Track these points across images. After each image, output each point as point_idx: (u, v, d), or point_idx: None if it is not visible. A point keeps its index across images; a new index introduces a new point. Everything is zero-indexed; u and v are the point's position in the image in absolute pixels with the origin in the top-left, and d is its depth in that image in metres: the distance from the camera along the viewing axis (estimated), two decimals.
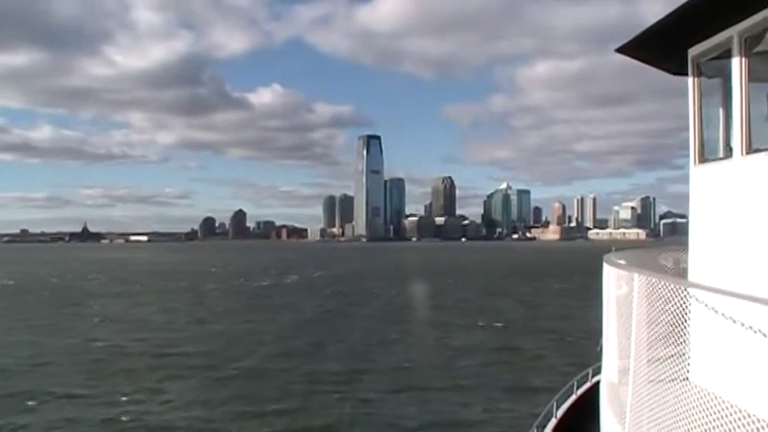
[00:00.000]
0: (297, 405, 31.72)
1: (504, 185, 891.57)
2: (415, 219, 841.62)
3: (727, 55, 8.72)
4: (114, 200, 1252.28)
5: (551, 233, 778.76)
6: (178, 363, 41.90)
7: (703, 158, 9.72)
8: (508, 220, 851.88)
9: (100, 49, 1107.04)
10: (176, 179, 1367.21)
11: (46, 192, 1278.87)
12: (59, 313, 68.47)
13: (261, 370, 39.89)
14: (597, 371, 12.51)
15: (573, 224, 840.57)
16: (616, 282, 8.77)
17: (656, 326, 7.09)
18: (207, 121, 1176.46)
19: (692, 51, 9.58)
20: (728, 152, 9.03)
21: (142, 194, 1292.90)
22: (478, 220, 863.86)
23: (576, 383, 14.32)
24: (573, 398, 13.77)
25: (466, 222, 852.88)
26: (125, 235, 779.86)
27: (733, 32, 8.53)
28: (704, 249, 9.54)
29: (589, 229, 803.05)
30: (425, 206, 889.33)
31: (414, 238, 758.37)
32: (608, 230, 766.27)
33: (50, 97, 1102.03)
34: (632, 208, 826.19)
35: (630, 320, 7.43)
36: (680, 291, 6.72)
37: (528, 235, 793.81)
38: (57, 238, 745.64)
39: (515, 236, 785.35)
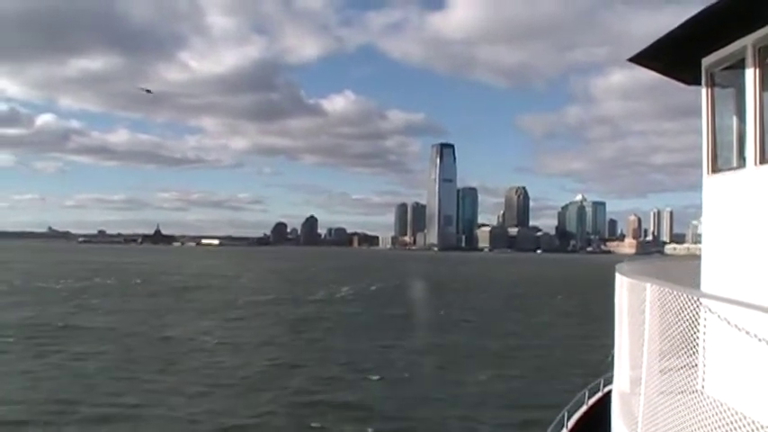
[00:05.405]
0: None
1: (578, 197, 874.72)
2: (488, 229, 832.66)
3: (740, 65, 8.73)
4: (189, 204, 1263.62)
5: (627, 247, 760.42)
6: None
7: (716, 168, 9.70)
8: (583, 232, 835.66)
9: (175, 54, 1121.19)
10: (250, 184, 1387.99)
11: (123, 194, 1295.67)
12: None
13: None
14: (609, 381, 12.27)
15: (649, 238, 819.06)
16: (628, 292, 8.71)
17: (669, 336, 7.06)
18: (280, 126, 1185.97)
19: (706, 61, 9.59)
20: (742, 162, 9.02)
21: (216, 199, 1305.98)
22: (552, 232, 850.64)
23: (587, 393, 14.12)
24: (584, 408, 13.57)
25: (539, 234, 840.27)
26: (196, 238, 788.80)
27: (747, 42, 8.53)
28: (717, 259, 9.49)
29: (666, 243, 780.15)
30: (498, 216, 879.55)
31: (486, 249, 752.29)
32: (686, 245, 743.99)
33: (127, 101, 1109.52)
34: None
35: (642, 330, 7.41)
36: (692, 301, 6.69)
37: (603, 248, 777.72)
38: (130, 239, 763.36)
39: (589, 248, 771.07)
